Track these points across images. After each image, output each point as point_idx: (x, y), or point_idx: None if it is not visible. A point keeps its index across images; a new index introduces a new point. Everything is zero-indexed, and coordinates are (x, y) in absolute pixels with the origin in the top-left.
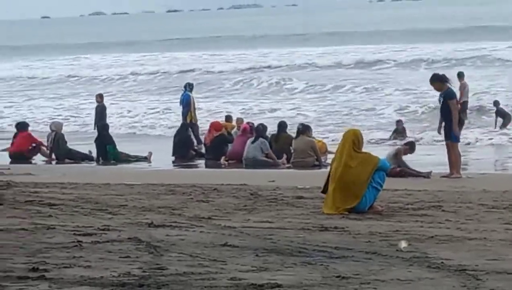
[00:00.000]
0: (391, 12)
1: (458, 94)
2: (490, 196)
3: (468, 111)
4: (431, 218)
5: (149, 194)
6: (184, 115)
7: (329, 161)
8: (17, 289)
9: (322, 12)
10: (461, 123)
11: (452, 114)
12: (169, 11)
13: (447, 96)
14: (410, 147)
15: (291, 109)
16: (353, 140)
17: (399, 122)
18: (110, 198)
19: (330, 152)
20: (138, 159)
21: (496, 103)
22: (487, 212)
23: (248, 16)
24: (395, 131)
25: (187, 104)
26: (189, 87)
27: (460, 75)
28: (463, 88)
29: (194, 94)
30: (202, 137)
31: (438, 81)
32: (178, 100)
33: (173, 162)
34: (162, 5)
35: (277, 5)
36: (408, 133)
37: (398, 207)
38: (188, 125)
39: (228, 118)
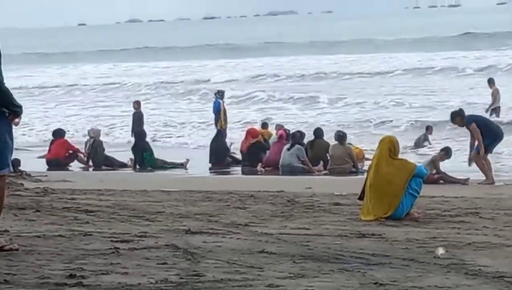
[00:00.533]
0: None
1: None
2: None
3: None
4: (469, 225)
5: (186, 201)
6: (216, 122)
7: (366, 167)
8: None
9: (357, 19)
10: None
11: (474, 137)
12: (205, 18)
13: (468, 123)
14: (446, 152)
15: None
16: (389, 147)
17: (428, 128)
18: (147, 205)
19: (367, 159)
20: (174, 165)
21: None
22: None
23: (283, 23)
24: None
25: (218, 111)
26: (219, 94)
27: (491, 82)
28: (496, 93)
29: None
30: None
31: (458, 116)
32: (211, 108)
33: (210, 169)
34: (199, 12)
35: (313, 11)
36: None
37: (435, 214)
38: (222, 132)
39: (265, 125)
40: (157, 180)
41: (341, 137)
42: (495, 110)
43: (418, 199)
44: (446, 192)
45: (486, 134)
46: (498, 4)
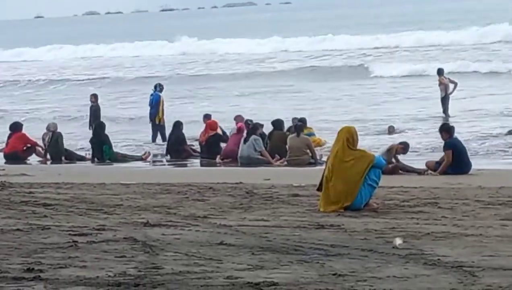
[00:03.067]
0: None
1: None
2: (486, 192)
3: None
4: (427, 215)
5: (145, 194)
6: (153, 115)
7: (324, 158)
8: (12, 289)
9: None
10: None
11: (445, 161)
12: (163, 10)
13: (445, 146)
14: (404, 147)
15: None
16: (348, 137)
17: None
18: (105, 198)
19: (326, 148)
20: (134, 158)
21: None
22: (483, 209)
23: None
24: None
25: (156, 104)
26: (159, 87)
27: (439, 72)
28: (447, 82)
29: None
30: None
31: (445, 132)
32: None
33: (168, 161)
34: (156, 3)
35: (272, 2)
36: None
37: (394, 204)
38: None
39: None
40: (116, 173)
41: (299, 127)
42: (444, 100)
43: (377, 189)
44: (405, 182)
45: (454, 163)
46: None
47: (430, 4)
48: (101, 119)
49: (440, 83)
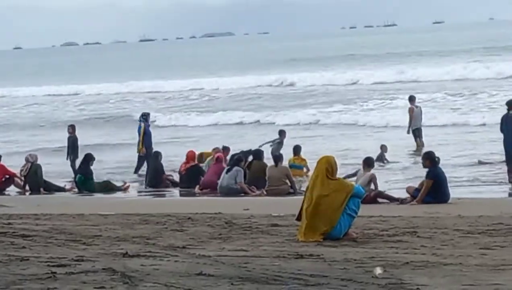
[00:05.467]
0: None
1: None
2: (465, 221)
3: None
4: (406, 244)
5: (124, 224)
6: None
7: (303, 188)
8: None
9: (296, 40)
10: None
11: (424, 189)
12: (142, 40)
13: (427, 175)
14: (368, 164)
15: None
16: (327, 167)
17: (383, 146)
18: (84, 229)
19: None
20: (114, 189)
21: None
22: (462, 237)
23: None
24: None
25: (139, 135)
26: (143, 117)
27: (411, 99)
28: (412, 112)
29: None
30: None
31: (428, 160)
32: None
33: (147, 191)
34: (135, 34)
35: (250, 32)
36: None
37: (373, 233)
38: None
39: (226, 149)
40: (95, 203)
41: (277, 158)
42: (417, 132)
43: (356, 218)
44: (384, 211)
45: (434, 192)
46: (434, 23)
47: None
48: (86, 150)
49: (411, 111)
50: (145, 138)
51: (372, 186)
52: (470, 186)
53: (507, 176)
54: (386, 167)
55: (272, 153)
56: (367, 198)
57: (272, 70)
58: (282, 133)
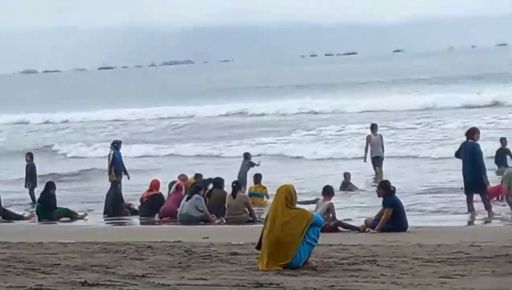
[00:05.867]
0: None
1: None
2: (425, 250)
3: None
4: (366, 273)
5: (83, 253)
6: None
7: (263, 216)
8: None
9: (255, 68)
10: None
11: (384, 218)
12: (101, 68)
13: (385, 203)
14: (328, 192)
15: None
16: (286, 196)
17: (346, 174)
18: (43, 257)
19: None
20: (73, 217)
21: None
22: (422, 266)
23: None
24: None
25: (113, 162)
26: (113, 145)
27: (372, 127)
28: (368, 141)
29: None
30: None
31: (382, 189)
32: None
33: (106, 219)
34: (95, 62)
35: (210, 60)
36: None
37: (333, 262)
38: (118, 182)
39: (198, 176)
40: (54, 232)
41: (236, 187)
42: (376, 160)
43: (316, 247)
44: (344, 239)
45: (394, 220)
46: (394, 51)
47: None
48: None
49: (368, 139)
50: (114, 165)
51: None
52: (430, 215)
53: (466, 205)
54: (348, 194)
55: (239, 175)
56: (326, 227)
57: (228, 98)
58: (247, 155)
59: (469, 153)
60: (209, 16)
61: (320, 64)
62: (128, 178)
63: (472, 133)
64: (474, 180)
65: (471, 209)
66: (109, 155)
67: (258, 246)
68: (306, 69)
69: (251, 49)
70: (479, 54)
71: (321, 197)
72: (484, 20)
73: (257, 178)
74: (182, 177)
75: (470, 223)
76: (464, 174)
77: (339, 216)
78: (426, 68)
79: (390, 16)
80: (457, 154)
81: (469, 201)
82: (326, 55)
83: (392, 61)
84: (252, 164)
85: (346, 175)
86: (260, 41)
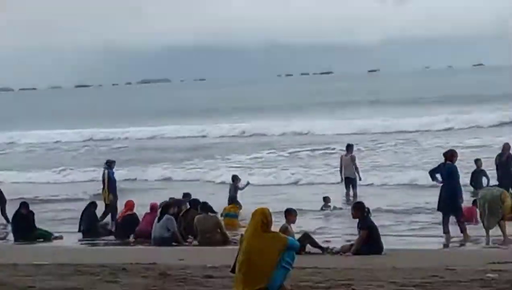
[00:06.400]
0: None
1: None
2: (400, 273)
3: None
4: None
5: (57, 275)
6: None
7: (238, 237)
8: None
9: (229, 86)
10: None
11: (359, 240)
12: (77, 86)
13: (362, 225)
14: (289, 213)
15: None
16: (262, 219)
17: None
18: (17, 279)
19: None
20: (48, 238)
21: None
22: None
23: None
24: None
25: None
26: (106, 164)
27: (348, 148)
28: (341, 160)
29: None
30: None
31: (359, 211)
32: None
33: (80, 240)
34: (71, 80)
35: (186, 79)
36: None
37: (308, 286)
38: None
39: (186, 195)
40: (28, 253)
41: (207, 207)
42: (347, 181)
43: (291, 270)
44: (319, 263)
45: (369, 242)
46: (369, 71)
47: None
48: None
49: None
50: (110, 184)
51: None
52: (405, 237)
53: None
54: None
55: (229, 198)
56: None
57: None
58: (235, 178)
59: (446, 174)
60: (185, 35)
61: (295, 83)
62: (116, 199)
63: (451, 155)
64: (450, 202)
65: (446, 231)
66: (103, 174)
67: (233, 270)
68: (280, 88)
69: (227, 68)
70: (455, 74)
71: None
72: (461, 40)
73: (231, 200)
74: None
75: (446, 246)
76: (441, 194)
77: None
78: (399, 88)
79: (366, 36)
80: (432, 174)
81: (445, 223)
82: (302, 74)
83: (367, 81)
84: (238, 188)
85: (326, 199)
86: (236, 60)
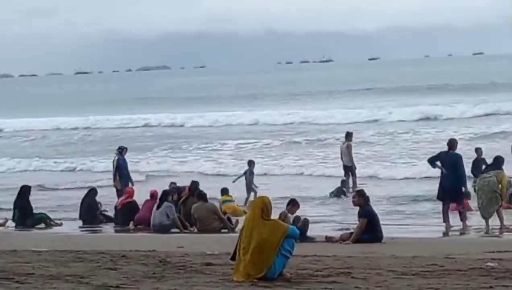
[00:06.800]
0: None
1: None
2: (400, 262)
3: None
4: (340, 285)
5: (57, 262)
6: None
7: (240, 226)
8: None
9: (229, 74)
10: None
11: (358, 229)
12: (77, 73)
13: (361, 213)
14: (293, 204)
15: None
16: (262, 208)
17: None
18: (16, 266)
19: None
20: (49, 224)
21: None
22: (396, 279)
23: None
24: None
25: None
26: (118, 150)
27: (347, 136)
28: (345, 149)
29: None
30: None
31: (360, 197)
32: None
33: (80, 227)
34: (71, 67)
35: (186, 66)
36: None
37: (308, 274)
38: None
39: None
40: (28, 239)
41: (202, 195)
42: (345, 169)
43: (291, 258)
44: (319, 250)
45: (368, 230)
46: (370, 59)
47: None
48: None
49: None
50: (119, 171)
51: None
52: (405, 225)
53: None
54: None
55: (247, 184)
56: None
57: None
58: (251, 163)
59: (451, 163)
60: (185, 22)
61: (295, 71)
62: (132, 184)
63: (454, 143)
64: (453, 189)
65: (446, 220)
66: (113, 161)
67: (233, 257)
68: (280, 77)
69: (227, 56)
70: (455, 63)
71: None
72: (461, 29)
73: (224, 191)
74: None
75: (445, 234)
76: (443, 183)
77: None
78: (399, 76)
79: (366, 24)
80: (432, 161)
81: (445, 211)
82: (301, 62)
83: (367, 69)
84: (252, 173)
85: (343, 182)
86: (236, 48)
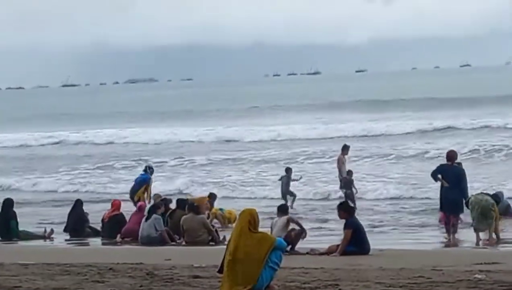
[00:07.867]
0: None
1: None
2: (387, 274)
3: None
4: None
5: (44, 275)
6: (133, 193)
7: (228, 237)
8: None
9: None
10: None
11: (344, 240)
12: (64, 86)
13: (346, 225)
14: (281, 210)
15: None
16: (249, 220)
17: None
18: (3, 279)
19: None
20: (37, 237)
21: None
22: None
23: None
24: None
25: (138, 183)
26: (149, 169)
27: (343, 148)
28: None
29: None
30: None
31: (342, 211)
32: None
33: (67, 239)
34: (58, 79)
35: (173, 79)
36: None
37: (295, 286)
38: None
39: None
40: (15, 252)
41: (193, 208)
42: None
43: (278, 270)
44: (306, 263)
45: (354, 242)
46: (357, 71)
47: None
48: None
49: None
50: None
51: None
52: (392, 236)
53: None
54: None
55: (282, 191)
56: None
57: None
58: (288, 170)
59: (455, 175)
60: (173, 34)
61: (281, 84)
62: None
63: (455, 156)
64: (455, 202)
65: (449, 230)
66: (148, 179)
67: (220, 270)
68: (267, 89)
69: (215, 68)
70: (442, 75)
71: (276, 217)
72: (449, 41)
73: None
74: (157, 195)
75: (447, 246)
76: (447, 196)
77: None
78: (386, 89)
79: (354, 36)
80: (434, 175)
81: (448, 222)
82: (289, 74)
83: (354, 82)
84: (292, 179)
85: (350, 172)
86: (223, 60)
